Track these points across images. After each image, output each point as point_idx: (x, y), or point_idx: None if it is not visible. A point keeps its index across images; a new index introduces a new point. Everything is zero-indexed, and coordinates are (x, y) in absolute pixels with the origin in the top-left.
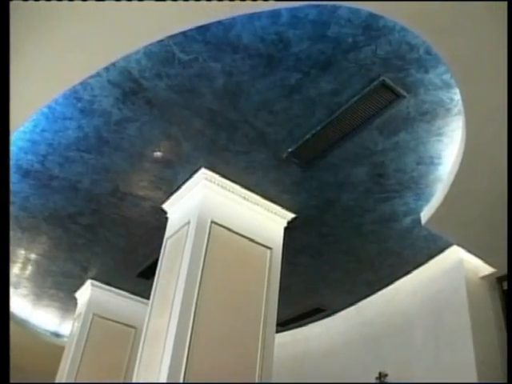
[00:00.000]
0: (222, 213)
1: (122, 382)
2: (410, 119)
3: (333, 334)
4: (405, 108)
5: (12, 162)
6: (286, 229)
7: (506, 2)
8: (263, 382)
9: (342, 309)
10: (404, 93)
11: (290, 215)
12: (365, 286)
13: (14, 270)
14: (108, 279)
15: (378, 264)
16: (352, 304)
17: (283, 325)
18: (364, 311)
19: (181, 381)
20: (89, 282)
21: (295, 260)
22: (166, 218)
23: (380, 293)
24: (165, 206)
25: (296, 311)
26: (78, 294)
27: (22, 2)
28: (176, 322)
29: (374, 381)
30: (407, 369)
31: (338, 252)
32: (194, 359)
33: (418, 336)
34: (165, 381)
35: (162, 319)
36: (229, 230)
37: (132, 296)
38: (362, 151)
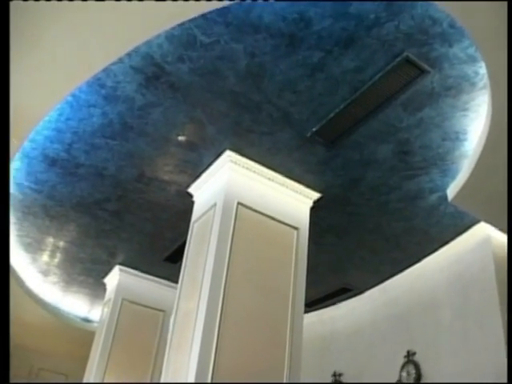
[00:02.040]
0: (248, 194)
1: (152, 365)
2: (434, 95)
3: (359, 313)
4: (429, 83)
5: (38, 152)
6: (311, 209)
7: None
8: (293, 361)
9: (368, 288)
10: (428, 68)
11: (316, 195)
12: (391, 264)
13: (44, 258)
14: (136, 264)
15: (404, 242)
16: (378, 283)
17: (309, 305)
18: (390, 290)
19: (211, 362)
20: (117, 268)
21: (321, 240)
22: (192, 202)
23: (406, 271)
24: (190, 190)
25: (322, 291)
26: (106, 280)
27: None
28: (205, 305)
29: (402, 359)
30: (434, 347)
31: (364, 231)
32: (224, 340)
33: (446, 314)
34: (196, 362)
35: (192, 302)
36: (255, 211)
37: (160, 280)
38: (386, 128)
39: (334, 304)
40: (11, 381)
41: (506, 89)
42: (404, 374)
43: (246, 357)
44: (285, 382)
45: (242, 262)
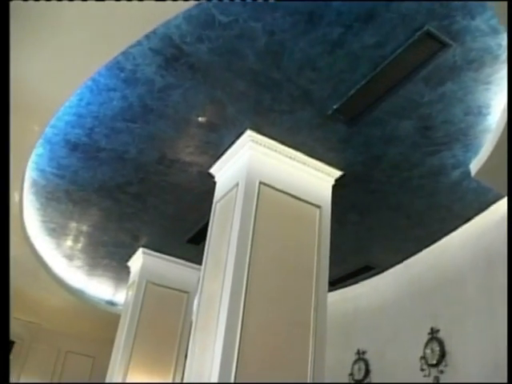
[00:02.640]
0: (270, 173)
1: (177, 346)
2: (456, 68)
3: (382, 291)
4: (451, 57)
5: (60, 137)
6: (333, 187)
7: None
8: (318, 339)
9: (391, 266)
10: (450, 41)
11: (338, 173)
12: (414, 242)
13: (68, 242)
14: (159, 246)
15: (427, 219)
16: (401, 261)
17: (332, 284)
18: (413, 267)
19: (237, 342)
20: (140, 251)
21: (343, 218)
22: (214, 183)
23: (429, 248)
24: (212, 171)
25: (345, 270)
26: (130, 263)
27: None
28: (230, 285)
29: (425, 336)
30: (459, 324)
31: (387, 208)
32: (249, 320)
33: (470, 290)
34: (221, 343)
35: (216, 283)
36: (277, 190)
37: (183, 262)
38: (408, 104)
39: (356, 282)
40: (41, 363)
41: None
42: (428, 351)
43: (272, 336)
44: (310, 359)
45: (265, 242)
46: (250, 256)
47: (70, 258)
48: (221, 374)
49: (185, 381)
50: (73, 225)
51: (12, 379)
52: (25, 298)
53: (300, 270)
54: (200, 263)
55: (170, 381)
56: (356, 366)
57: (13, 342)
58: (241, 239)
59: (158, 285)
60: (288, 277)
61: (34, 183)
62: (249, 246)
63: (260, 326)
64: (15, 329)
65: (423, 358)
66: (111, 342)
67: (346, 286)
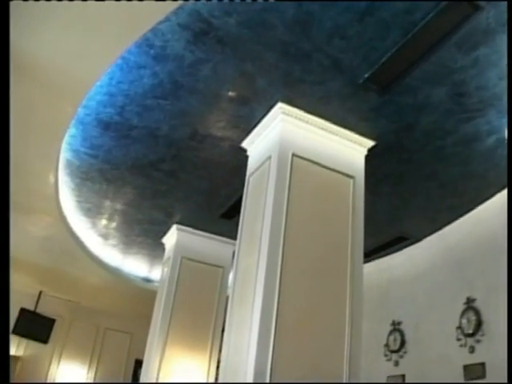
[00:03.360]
0: (302, 145)
1: (213, 320)
2: (490, 32)
3: (417, 261)
4: (484, 20)
5: (92, 117)
6: (366, 157)
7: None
8: (354, 310)
9: (426, 236)
10: (482, 3)
11: (370, 143)
12: (448, 211)
13: (103, 221)
14: (193, 222)
15: (461, 188)
16: (435, 231)
17: (366, 255)
18: (448, 237)
19: (274, 314)
20: (174, 227)
21: (377, 189)
22: (246, 156)
23: (464, 217)
24: (244, 144)
25: (379, 241)
26: (164, 240)
27: None
28: (265, 258)
29: (461, 306)
30: (495, 293)
31: (420, 178)
32: (286, 293)
33: (506, 259)
34: (259, 315)
35: (251, 257)
36: (310, 161)
37: (217, 237)
38: (440, 70)
39: (391, 253)
40: (81, 340)
41: None
42: (464, 320)
43: (308, 307)
44: (347, 330)
45: (299, 214)
46: (285, 228)
47: (105, 236)
48: (259, 347)
49: (223, 354)
50: (107, 204)
51: (54, 356)
52: (63, 278)
53: (335, 242)
54: (234, 238)
55: (208, 354)
56: (391, 337)
57: (54, 320)
58: (275, 212)
59: (193, 260)
60: (323, 248)
61: (69, 164)
62: (283, 219)
63: (296, 298)
64: (56, 307)
65: (459, 327)
66: (148, 318)
67: (379, 257)
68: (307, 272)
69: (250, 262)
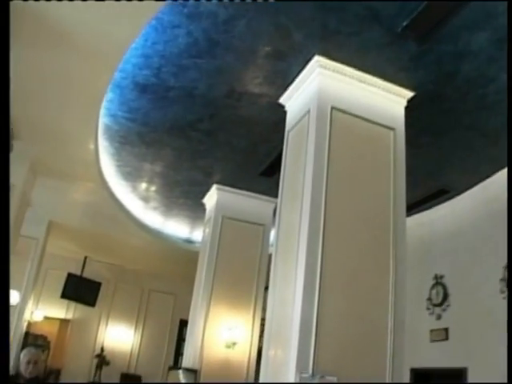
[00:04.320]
0: (341, 98)
1: (256, 277)
2: None
3: (459, 215)
4: None
5: (128, 80)
6: (406, 108)
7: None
8: (398, 263)
9: (468, 189)
10: None
11: (409, 93)
12: (490, 162)
13: (143, 185)
14: (232, 181)
15: (504, 138)
16: (477, 183)
17: (408, 209)
18: (491, 189)
19: (318, 267)
20: (214, 187)
21: (417, 141)
22: (284, 112)
23: (507, 168)
24: (282, 100)
25: (420, 195)
26: (205, 200)
27: None
28: (308, 214)
29: (505, 258)
30: None
31: (461, 128)
32: (329, 246)
33: None
34: (303, 268)
35: (294, 213)
36: (350, 114)
37: (257, 195)
38: (481, 16)
39: (432, 207)
40: (127, 302)
41: None
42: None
43: (352, 261)
44: (390, 282)
45: (340, 167)
46: (326, 183)
47: (146, 199)
48: (304, 300)
49: (268, 309)
50: (147, 167)
51: (102, 319)
52: (107, 242)
53: (377, 195)
54: (274, 195)
55: (251, 312)
56: (434, 291)
57: (99, 284)
58: (316, 166)
59: (234, 219)
60: (365, 202)
61: (107, 129)
62: (324, 174)
63: (340, 252)
64: (101, 271)
65: (503, 280)
66: (191, 279)
67: (421, 211)
68: (350, 226)
69: (293, 217)
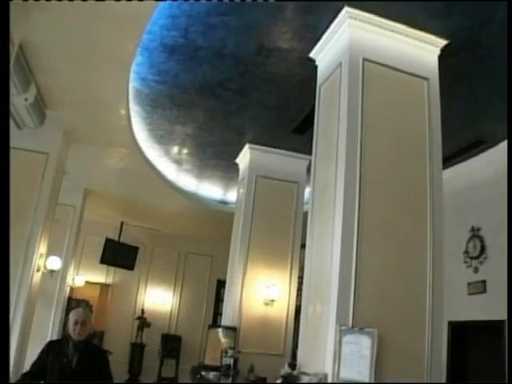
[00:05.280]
0: (373, 49)
1: (291, 235)
2: None
3: (496, 166)
4: None
5: (157, 42)
6: (439, 57)
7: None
8: (435, 214)
9: (504, 139)
10: None
11: (443, 42)
12: None
13: (175, 148)
14: (265, 140)
15: None
16: None
17: (444, 161)
18: None
19: (355, 220)
20: (247, 146)
21: (452, 90)
22: (315, 67)
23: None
24: (312, 55)
25: (455, 146)
26: (238, 160)
27: None
28: (343, 169)
29: None
30: None
31: (497, 76)
32: (366, 199)
33: None
34: (341, 222)
35: (329, 169)
36: (382, 65)
37: (290, 153)
38: None
39: (468, 158)
40: (165, 264)
41: None
42: None
43: (389, 214)
44: (428, 235)
45: (375, 120)
46: (361, 136)
47: (179, 162)
48: (342, 252)
49: (306, 266)
50: (179, 129)
51: (141, 282)
52: (143, 207)
53: (412, 146)
54: (307, 152)
55: (288, 270)
56: (471, 244)
57: (137, 248)
58: (350, 119)
59: (268, 178)
60: (401, 154)
61: (138, 93)
62: (359, 126)
63: (377, 205)
64: (138, 236)
65: None
66: (227, 239)
67: (457, 162)
68: (386, 179)
69: (328, 173)
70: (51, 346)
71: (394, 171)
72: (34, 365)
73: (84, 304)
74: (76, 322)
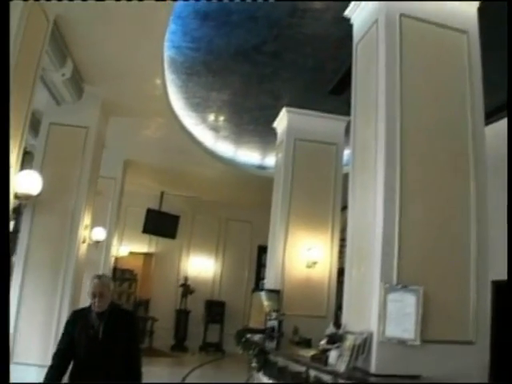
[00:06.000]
0: (409, 4)
1: (332, 197)
2: None
3: None
4: None
5: (189, 9)
6: (479, 10)
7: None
8: (478, 172)
9: None
10: None
11: None
12: None
13: (211, 115)
14: (301, 103)
15: None
16: None
17: (485, 117)
18: None
19: (397, 182)
20: (284, 110)
21: (493, 43)
22: (351, 26)
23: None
24: (347, 13)
25: (496, 102)
26: (275, 124)
27: None
28: (384, 127)
29: None
30: None
31: None
32: (408, 157)
33: None
34: (382, 181)
35: (368, 128)
36: (419, 20)
37: (327, 114)
38: None
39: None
40: (206, 231)
41: None
42: None
43: (431, 171)
44: (472, 192)
45: (414, 76)
46: (401, 93)
47: (216, 129)
48: (385, 209)
49: (349, 226)
50: (215, 96)
51: (183, 250)
52: (182, 175)
53: (453, 103)
54: (344, 113)
55: (329, 232)
56: None
57: (178, 217)
58: (388, 77)
59: (306, 141)
60: (442, 111)
61: (173, 62)
62: (398, 84)
63: (418, 164)
64: (178, 205)
65: None
66: (266, 205)
67: (498, 119)
68: (427, 137)
69: (368, 132)
70: (76, 317)
71: (436, 129)
72: (61, 341)
73: (128, 273)
74: (94, 295)
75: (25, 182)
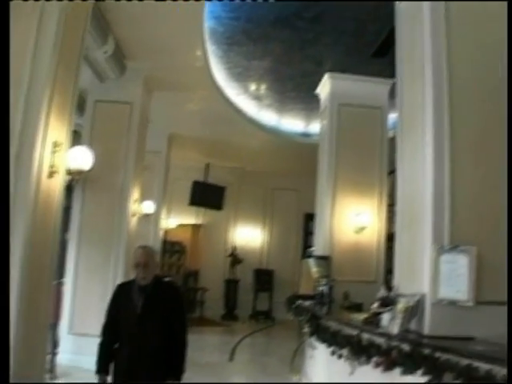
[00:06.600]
0: None
1: (378, 161)
2: None
3: None
4: None
5: None
6: None
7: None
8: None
9: None
10: None
11: None
12: None
13: (253, 85)
14: (344, 67)
15: None
16: None
17: None
18: None
19: (447, 140)
20: (326, 76)
21: None
22: None
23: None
24: None
25: None
26: (318, 90)
27: None
28: (431, 90)
29: None
30: None
31: None
32: (456, 119)
33: None
34: (432, 141)
35: (415, 90)
36: None
37: (371, 78)
38: None
39: None
40: (252, 201)
41: None
42: None
43: (481, 128)
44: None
45: (461, 35)
46: (448, 52)
47: (259, 98)
48: (435, 173)
49: (398, 190)
50: (256, 64)
51: (230, 221)
52: (227, 146)
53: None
54: (388, 76)
55: (377, 197)
56: None
57: (224, 188)
58: (434, 37)
59: (350, 105)
60: (491, 70)
61: (213, 32)
62: (444, 44)
63: (467, 124)
64: (223, 176)
65: None
66: (312, 172)
67: None
68: (476, 97)
69: (415, 94)
70: (120, 290)
71: (485, 86)
72: (107, 315)
73: (178, 245)
74: (137, 265)
75: (77, 157)
